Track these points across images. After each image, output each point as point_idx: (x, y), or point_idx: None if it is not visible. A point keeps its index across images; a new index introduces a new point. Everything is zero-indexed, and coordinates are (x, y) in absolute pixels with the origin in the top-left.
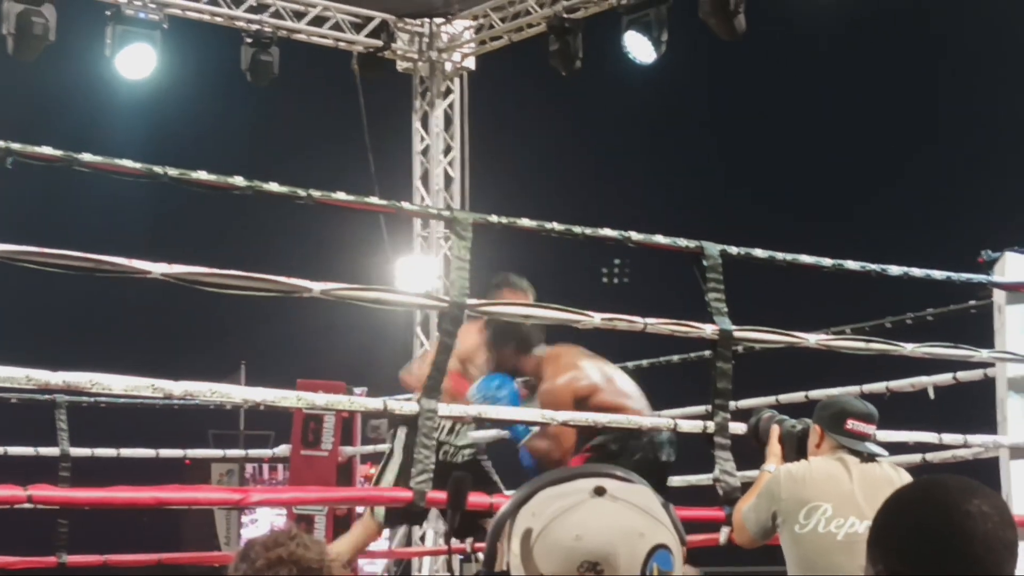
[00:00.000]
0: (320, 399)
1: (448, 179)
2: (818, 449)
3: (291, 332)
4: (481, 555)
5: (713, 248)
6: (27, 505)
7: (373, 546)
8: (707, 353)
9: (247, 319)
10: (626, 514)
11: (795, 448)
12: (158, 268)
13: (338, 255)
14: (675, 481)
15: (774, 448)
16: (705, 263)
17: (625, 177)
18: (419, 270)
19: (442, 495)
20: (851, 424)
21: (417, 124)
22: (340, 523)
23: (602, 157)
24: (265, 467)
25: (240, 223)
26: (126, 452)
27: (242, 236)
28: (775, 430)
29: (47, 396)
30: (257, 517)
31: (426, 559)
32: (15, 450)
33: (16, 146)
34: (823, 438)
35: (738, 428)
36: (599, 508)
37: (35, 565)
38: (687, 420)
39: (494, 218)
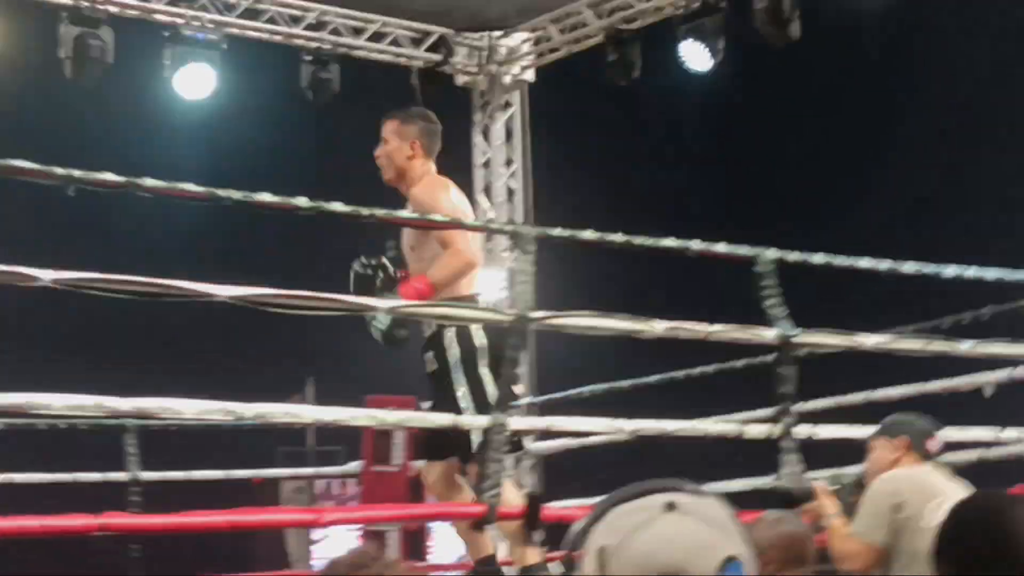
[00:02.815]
0: (391, 416)
1: (510, 192)
2: (898, 463)
3: (357, 347)
4: (551, 564)
5: (768, 254)
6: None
7: (448, 558)
8: (769, 358)
9: (313, 335)
10: (697, 528)
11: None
12: (224, 291)
13: None
14: (738, 485)
15: (827, 504)
16: (760, 270)
17: (683, 185)
18: (481, 282)
19: (515, 510)
20: (930, 443)
21: (478, 138)
22: (412, 538)
23: (661, 165)
24: (335, 481)
25: (301, 242)
26: (196, 474)
27: (304, 255)
28: (819, 490)
29: (115, 421)
30: (327, 534)
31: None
32: (85, 476)
33: (78, 173)
34: (908, 451)
35: (803, 431)
36: (671, 523)
37: None
38: (753, 425)
39: (557, 231)
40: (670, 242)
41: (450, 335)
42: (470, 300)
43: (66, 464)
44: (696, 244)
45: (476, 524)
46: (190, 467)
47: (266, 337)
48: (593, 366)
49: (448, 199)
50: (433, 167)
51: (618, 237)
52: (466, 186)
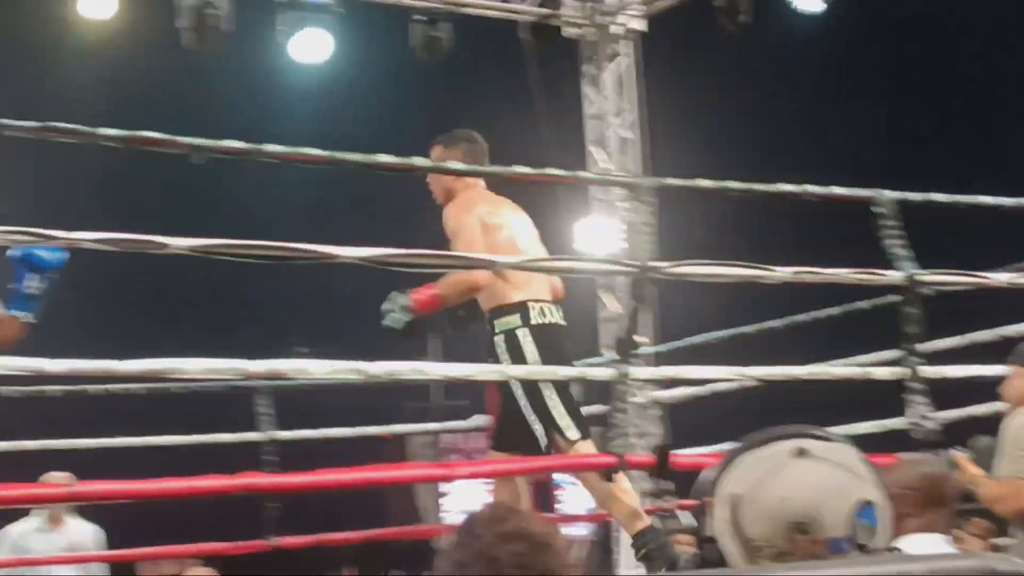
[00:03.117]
0: (515, 371)
1: (622, 142)
2: None
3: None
4: (684, 512)
5: (889, 196)
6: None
7: (576, 509)
8: (895, 299)
9: None
10: (829, 473)
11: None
12: (347, 252)
13: None
14: (866, 427)
15: (968, 467)
16: (880, 211)
17: (797, 130)
18: (598, 233)
19: (645, 459)
20: None
21: (588, 88)
22: (540, 490)
23: (773, 111)
24: (461, 436)
25: (414, 202)
26: (327, 432)
27: (421, 214)
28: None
29: (248, 383)
30: (457, 488)
31: None
32: (221, 437)
33: (203, 142)
34: None
35: (930, 372)
36: (802, 469)
37: (247, 550)
38: (880, 367)
39: (673, 181)
40: (788, 187)
41: (501, 346)
42: (520, 308)
43: (200, 427)
44: (814, 188)
45: (605, 475)
46: (317, 424)
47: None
48: (714, 315)
49: (470, 220)
50: (481, 184)
51: (736, 184)
52: (578, 138)
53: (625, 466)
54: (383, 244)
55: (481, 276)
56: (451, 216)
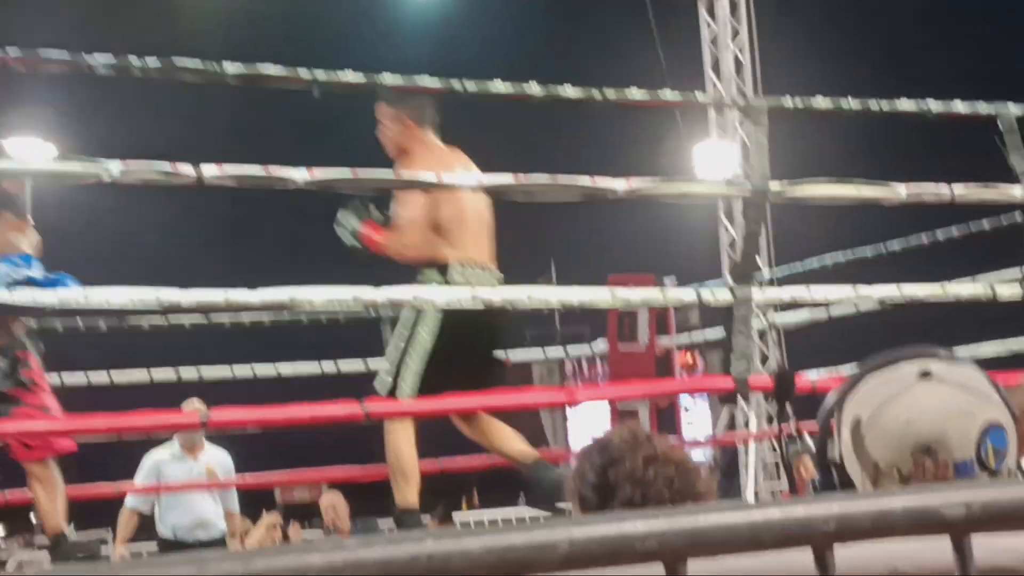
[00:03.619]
0: (634, 295)
1: (738, 64)
2: None
3: (596, 226)
4: (807, 435)
5: (1011, 110)
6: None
7: (699, 434)
8: (1018, 217)
9: (553, 218)
10: (954, 395)
11: None
12: (468, 181)
13: (634, 146)
14: (990, 348)
15: None
16: (1003, 126)
17: (912, 48)
18: (717, 156)
19: (766, 381)
20: None
21: (703, 12)
22: (663, 415)
23: (887, 30)
24: (583, 361)
25: (537, 130)
26: None
27: (540, 141)
28: None
29: (371, 313)
30: (581, 413)
31: (751, 443)
32: (346, 364)
33: (321, 75)
34: None
35: None
36: (927, 391)
37: (376, 476)
38: (1005, 285)
39: (789, 101)
40: (907, 104)
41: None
42: (442, 267)
43: (328, 356)
44: (935, 104)
45: (724, 399)
46: None
47: (508, 224)
48: (831, 239)
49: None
50: (429, 134)
51: (852, 102)
52: (696, 62)
53: (745, 390)
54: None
55: (419, 257)
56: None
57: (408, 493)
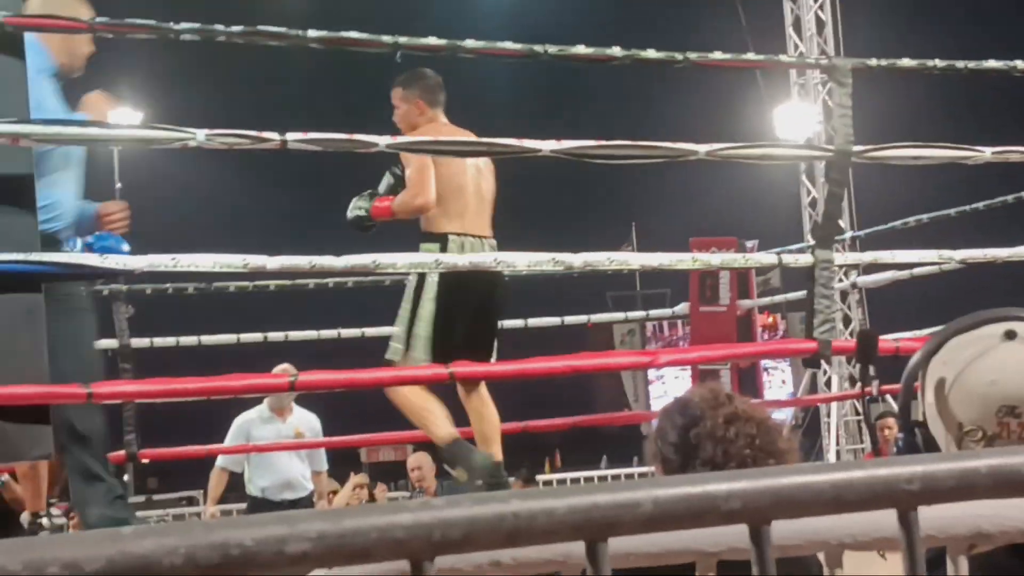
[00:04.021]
0: (715, 259)
1: (819, 23)
2: None
3: (677, 190)
4: (890, 397)
5: None
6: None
7: (780, 395)
8: None
9: (633, 182)
10: None
11: None
12: (547, 145)
13: (715, 109)
14: None
15: None
16: None
17: (999, 5)
18: (798, 117)
19: (848, 344)
20: None
21: None
22: (744, 376)
23: None
24: (664, 323)
25: (604, 95)
26: (533, 322)
27: (613, 104)
28: None
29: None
30: (663, 375)
31: (833, 404)
32: None
33: (403, 39)
34: None
35: None
36: (1012, 352)
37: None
38: None
39: (873, 61)
40: (993, 63)
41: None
42: (441, 239)
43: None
44: (1022, 63)
45: (808, 362)
46: (525, 316)
47: (590, 188)
48: (914, 200)
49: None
50: (440, 115)
51: (938, 62)
52: (778, 20)
53: (828, 352)
54: (580, 137)
55: (425, 203)
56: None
57: (438, 429)
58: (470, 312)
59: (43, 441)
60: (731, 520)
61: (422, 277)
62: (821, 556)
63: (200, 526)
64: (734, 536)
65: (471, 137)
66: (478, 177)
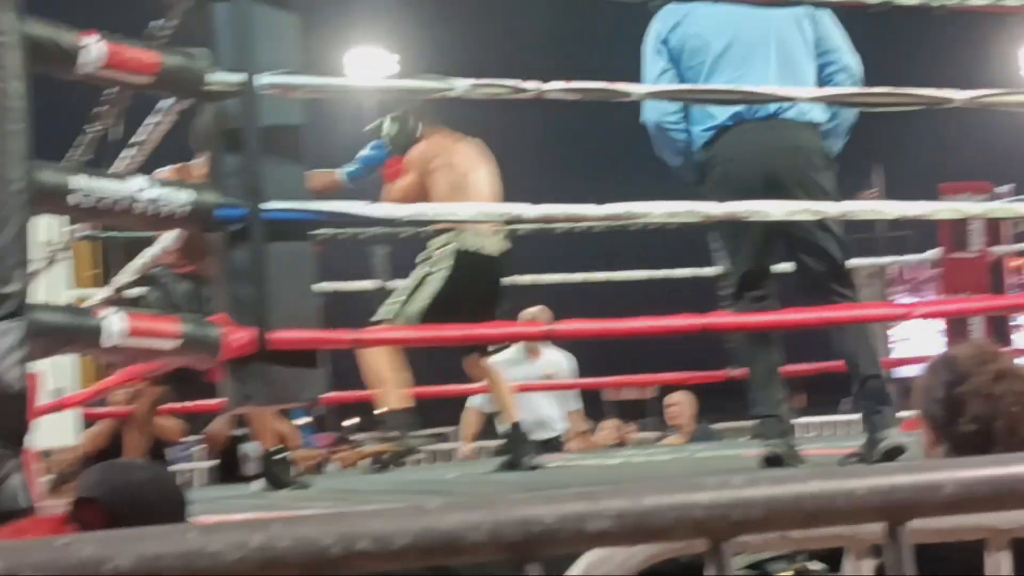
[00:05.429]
0: (974, 208)
1: None
2: None
3: (925, 136)
4: None
5: None
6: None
7: None
8: None
9: (882, 128)
10: None
11: None
12: (803, 93)
13: (959, 52)
14: None
15: None
16: None
17: None
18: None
19: None
20: None
21: None
22: (995, 324)
23: None
24: (907, 266)
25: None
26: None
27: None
28: None
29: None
30: (905, 323)
31: None
32: (674, 273)
33: None
34: None
35: None
36: None
37: (707, 380)
38: None
39: None
40: None
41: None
42: (456, 230)
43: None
44: None
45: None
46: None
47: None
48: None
49: (419, 160)
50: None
51: None
52: None
53: None
54: None
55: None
56: (412, 152)
57: (388, 397)
58: (472, 298)
59: (313, 385)
60: None
61: (431, 257)
62: None
63: (503, 502)
64: None
65: (480, 149)
66: (488, 174)
